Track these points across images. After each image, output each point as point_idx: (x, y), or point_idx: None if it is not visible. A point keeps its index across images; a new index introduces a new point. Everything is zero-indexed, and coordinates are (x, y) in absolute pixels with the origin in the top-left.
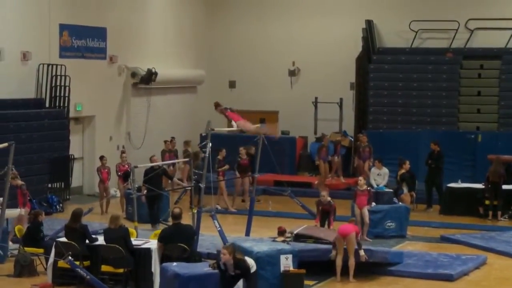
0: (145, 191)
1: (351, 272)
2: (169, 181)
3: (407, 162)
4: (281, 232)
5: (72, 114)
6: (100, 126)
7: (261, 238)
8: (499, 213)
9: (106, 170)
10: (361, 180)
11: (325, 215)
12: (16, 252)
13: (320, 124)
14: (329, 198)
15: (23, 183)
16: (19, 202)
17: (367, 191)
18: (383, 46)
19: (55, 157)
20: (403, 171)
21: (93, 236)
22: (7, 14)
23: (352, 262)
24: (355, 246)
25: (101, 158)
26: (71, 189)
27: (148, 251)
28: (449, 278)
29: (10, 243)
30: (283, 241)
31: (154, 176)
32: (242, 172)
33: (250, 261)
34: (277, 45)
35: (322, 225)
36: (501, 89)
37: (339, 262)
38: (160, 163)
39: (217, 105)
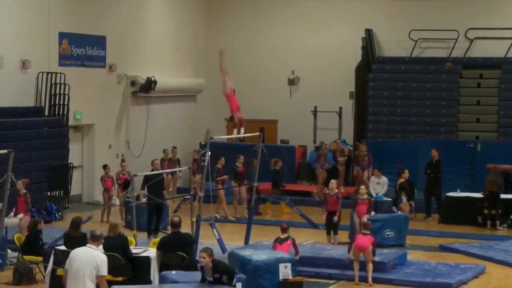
0: (145, 198)
1: (370, 275)
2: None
3: (406, 171)
4: (284, 229)
5: (71, 122)
6: (99, 134)
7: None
8: (498, 222)
9: (110, 178)
10: (362, 189)
11: (331, 215)
12: (15, 260)
13: (319, 133)
14: (336, 190)
15: (26, 191)
16: (21, 210)
17: (367, 200)
18: (382, 55)
19: (54, 166)
20: (402, 180)
21: None
22: (7, 23)
23: (369, 267)
24: (372, 257)
25: (105, 167)
26: (70, 198)
27: (147, 259)
28: (447, 287)
29: (9, 251)
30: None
31: (155, 184)
32: (239, 181)
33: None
34: (277, 54)
35: (328, 232)
36: (501, 99)
37: (356, 266)
38: (162, 171)
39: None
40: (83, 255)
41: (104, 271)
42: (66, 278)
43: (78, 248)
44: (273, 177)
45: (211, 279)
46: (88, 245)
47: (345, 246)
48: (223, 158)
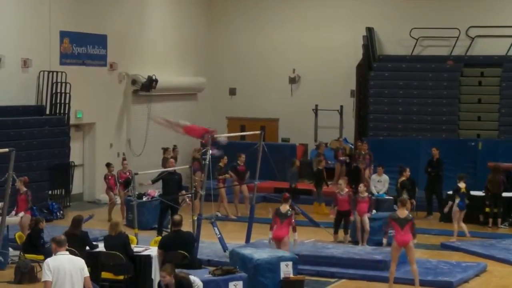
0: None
1: (417, 278)
2: None
3: (408, 170)
4: (286, 199)
5: (72, 121)
6: (100, 133)
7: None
8: (499, 220)
9: (114, 177)
10: (361, 187)
11: (342, 215)
12: (16, 258)
13: (320, 132)
14: (346, 189)
15: (27, 189)
16: (21, 208)
17: (368, 198)
18: (383, 53)
19: (55, 164)
20: (403, 178)
21: (94, 243)
22: (8, 22)
23: (415, 269)
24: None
25: (108, 165)
26: (71, 196)
27: (148, 258)
28: (449, 286)
29: (11, 249)
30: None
31: (171, 183)
32: (240, 179)
33: (194, 279)
34: (278, 53)
35: (336, 231)
36: (502, 97)
37: (393, 269)
38: (169, 168)
39: None
40: (68, 263)
41: (87, 272)
42: None
43: (54, 258)
44: (317, 177)
45: None
46: (58, 253)
47: (348, 245)
48: (225, 157)
